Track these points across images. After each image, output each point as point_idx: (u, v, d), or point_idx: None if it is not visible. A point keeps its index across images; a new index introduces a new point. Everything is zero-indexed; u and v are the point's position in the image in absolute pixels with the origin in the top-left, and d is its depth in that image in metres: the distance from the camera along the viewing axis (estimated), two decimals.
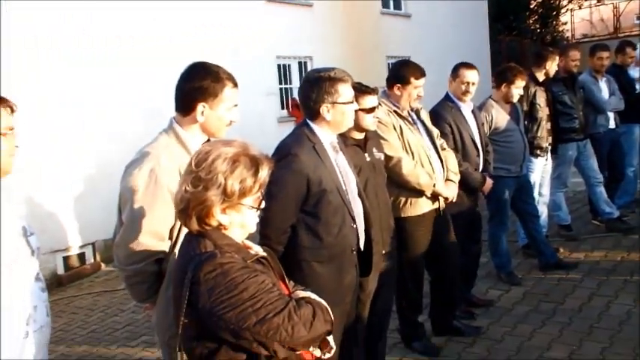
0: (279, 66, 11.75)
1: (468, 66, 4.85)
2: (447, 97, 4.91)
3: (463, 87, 4.78)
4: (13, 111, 2.08)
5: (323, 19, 12.47)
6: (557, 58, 6.39)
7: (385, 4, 14.71)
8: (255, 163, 1.95)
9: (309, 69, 12.28)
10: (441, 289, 4.59)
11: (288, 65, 12.13)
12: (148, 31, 8.81)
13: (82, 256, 7.93)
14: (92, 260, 8.04)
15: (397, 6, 15.16)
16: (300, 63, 12.35)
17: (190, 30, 9.39)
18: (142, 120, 8.05)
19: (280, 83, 11.86)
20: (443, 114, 4.75)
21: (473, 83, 4.80)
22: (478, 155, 4.88)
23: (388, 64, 14.01)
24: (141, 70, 8.62)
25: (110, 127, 8.20)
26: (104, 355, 5.11)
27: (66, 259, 7.77)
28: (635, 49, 7.81)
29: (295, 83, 12.21)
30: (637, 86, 7.73)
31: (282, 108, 11.82)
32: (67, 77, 7.81)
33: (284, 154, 2.98)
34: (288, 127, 11.08)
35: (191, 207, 1.92)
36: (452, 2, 16.10)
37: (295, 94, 12.00)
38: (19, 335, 2.05)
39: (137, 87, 8.55)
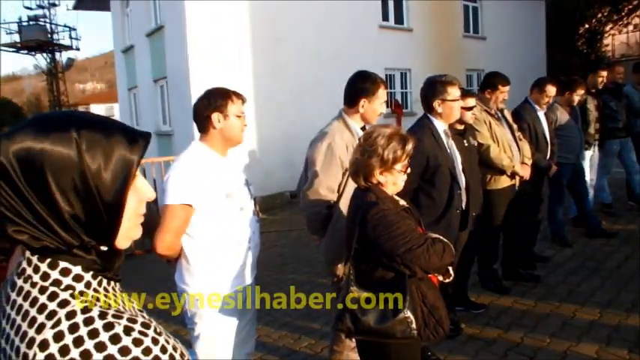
0: (386, 75, 11.65)
1: (553, 83, 4.69)
2: (527, 101, 4.74)
3: (547, 98, 4.64)
4: (244, 102, 2.27)
5: (419, 41, 12.23)
6: (601, 73, 5.93)
7: (466, 29, 14.17)
8: (404, 140, 2.01)
9: (408, 79, 12.13)
10: (511, 245, 4.50)
11: (393, 75, 12.01)
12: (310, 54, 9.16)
13: None
14: None
15: (475, 30, 14.56)
16: (402, 74, 12.19)
17: (324, 47, 9.58)
18: (288, 115, 8.40)
19: (386, 89, 11.73)
20: (523, 114, 4.60)
21: (552, 95, 4.66)
22: (547, 147, 4.69)
23: (467, 75, 13.59)
24: (306, 74, 8.95)
25: (266, 120, 8.56)
26: (263, 275, 5.34)
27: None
28: None
29: (397, 89, 12.10)
30: None
31: (387, 107, 11.73)
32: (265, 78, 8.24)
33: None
34: (390, 120, 11.11)
35: (360, 169, 2.03)
36: (518, 27, 15.30)
37: (397, 97, 11.91)
38: (245, 248, 2.26)
39: (300, 84, 8.90)
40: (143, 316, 0.86)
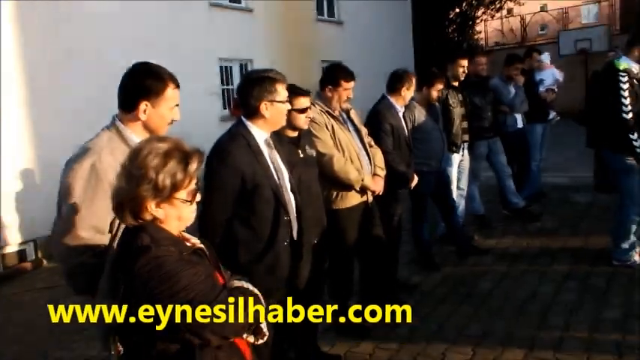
0: (221, 67, 11.53)
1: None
2: (386, 99, 4.93)
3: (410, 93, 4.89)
4: None
5: (262, 24, 12.31)
6: (461, 62, 6.22)
7: (320, 12, 14.63)
8: (185, 158, 1.86)
9: None
10: (369, 276, 4.55)
11: (230, 67, 11.92)
12: (89, 32, 8.53)
13: (22, 253, 7.40)
14: (33, 257, 7.50)
15: (331, 13, 15.09)
16: (241, 65, 12.15)
17: (134, 30, 9.11)
18: (82, 120, 7.82)
19: (222, 84, 11.63)
20: (385, 114, 4.77)
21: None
22: (409, 153, 4.93)
23: (322, 67, 13.99)
24: (104, 71, 8.29)
25: (50, 127, 7.85)
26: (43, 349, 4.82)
27: (3, 257, 7.22)
28: (540, 53, 8.07)
29: (237, 84, 12.03)
30: (540, 88, 7.94)
31: (225, 107, 11.60)
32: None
33: (219, 151, 2.93)
34: (229, 124, 10.96)
35: (124, 202, 1.83)
36: (380, 10, 16.17)
37: (236, 96, 11.83)
38: None
39: (71, 87, 8.22)
40: None
